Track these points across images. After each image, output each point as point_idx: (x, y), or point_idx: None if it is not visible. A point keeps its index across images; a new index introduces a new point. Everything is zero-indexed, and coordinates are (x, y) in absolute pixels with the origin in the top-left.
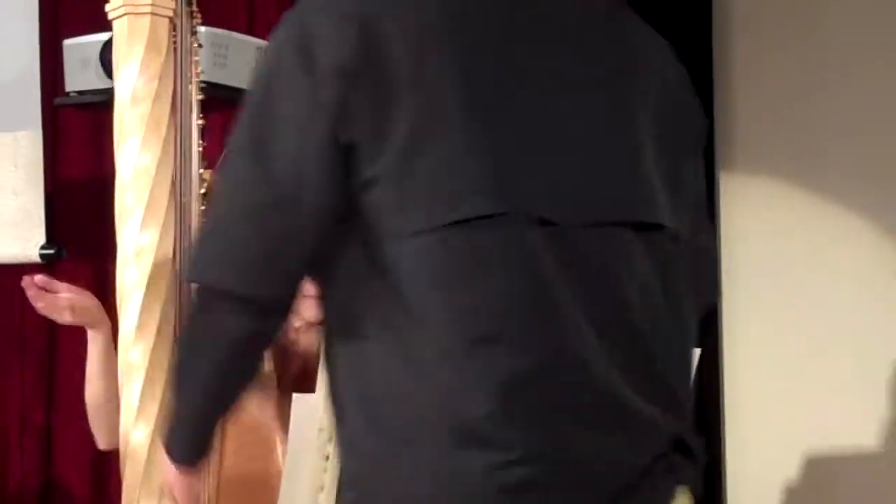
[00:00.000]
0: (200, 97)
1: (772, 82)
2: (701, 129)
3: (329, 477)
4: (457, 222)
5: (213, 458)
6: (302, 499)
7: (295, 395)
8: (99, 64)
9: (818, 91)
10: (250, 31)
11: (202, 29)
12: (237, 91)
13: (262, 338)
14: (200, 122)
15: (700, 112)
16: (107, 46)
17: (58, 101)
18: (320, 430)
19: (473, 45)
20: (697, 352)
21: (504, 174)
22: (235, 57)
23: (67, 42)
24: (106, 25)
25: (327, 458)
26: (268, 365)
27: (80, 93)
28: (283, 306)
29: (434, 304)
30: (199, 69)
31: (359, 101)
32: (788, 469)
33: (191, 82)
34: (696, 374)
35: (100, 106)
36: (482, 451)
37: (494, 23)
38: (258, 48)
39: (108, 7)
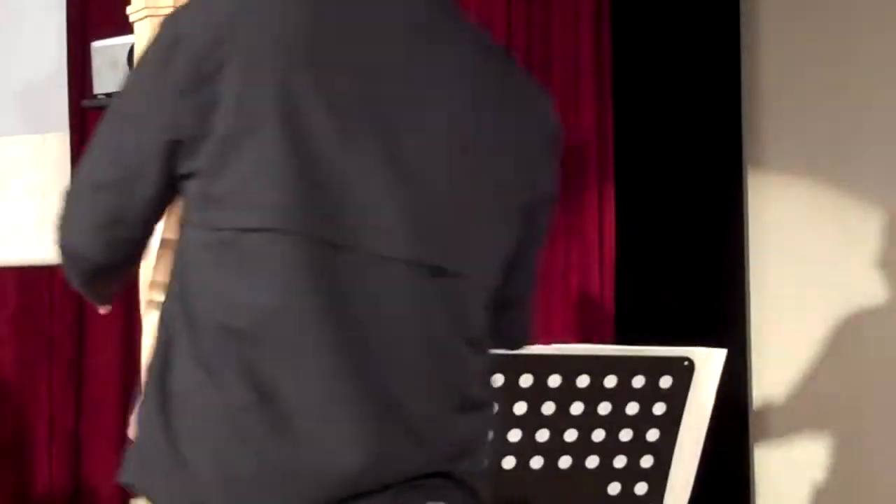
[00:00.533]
0: None
1: (798, 79)
2: (547, 187)
3: None
4: (242, 229)
5: None
6: None
7: None
8: (126, 66)
9: (845, 87)
10: None
11: None
12: None
13: (103, 283)
14: None
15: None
16: (134, 49)
17: (85, 103)
18: None
19: (302, 65)
20: (722, 353)
21: (298, 194)
22: None
23: (95, 44)
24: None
25: None
26: None
27: (108, 95)
28: (116, 267)
29: (201, 290)
30: None
31: (190, 104)
32: (816, 469)
33: None
34: (722, 375)
35: None
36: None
37: (328, 45)
38: None
39: (129, 10)
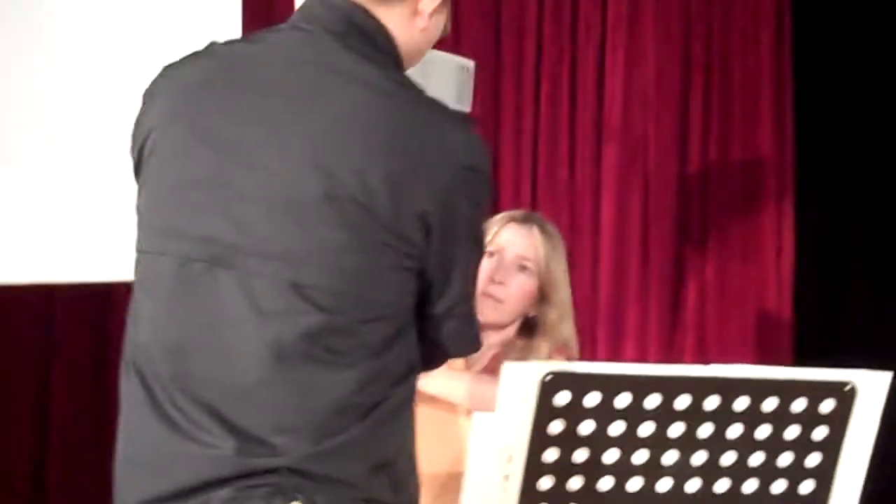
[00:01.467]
0: None
1: None
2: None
3: (509, 497)
4: (141, 250)
5: None
6: None
7: (476, 414)
8: None
9: None
10: (455, 49)
11: None
12: None
13: None
14: None
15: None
16: None
17: None
18: (500, 448)
19: (196, 113)
20: (888, 376)
21: (171, 220)
22: (434, 75)
23: None
24: None
25: (507, 477)
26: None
27: None
28: None
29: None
30: None
31: (135, 140)
32: None
33: None
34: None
35: None
36: None
37: (218, 95)
38: (459, 66)
39: None
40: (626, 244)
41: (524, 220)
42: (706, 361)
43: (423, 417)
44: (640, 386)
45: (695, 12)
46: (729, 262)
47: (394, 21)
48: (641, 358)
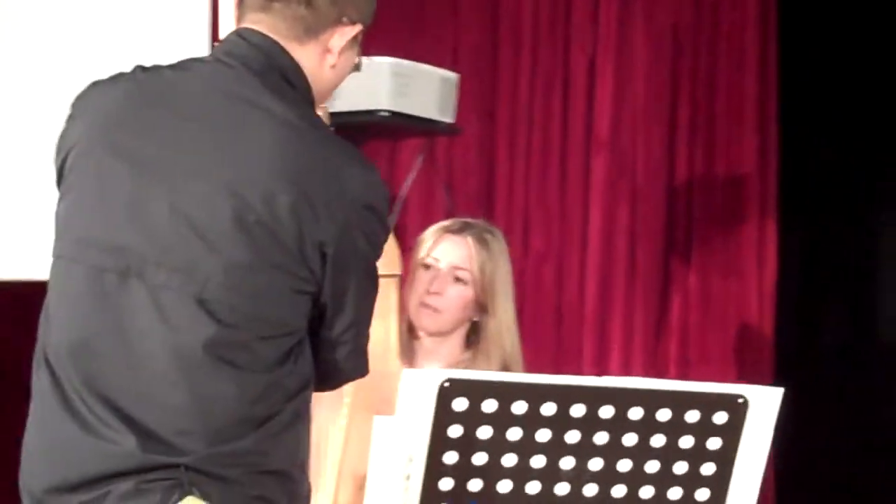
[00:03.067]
0: None
1: None
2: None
3: (410, 496)
4: (57, 256)
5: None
6: None
7: (376, 418)
8: None
9: None
10: (454, 66)
11: (387, 59)
12: (419, 120)
13: None
14: None
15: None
16: None
17: None
18: (400, 449)
19: (117, 133)
20: (779, 391)
21: (88, 231)
22: (418, 87)
23: None
24: None
25: (408, 477)
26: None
27: None
28: None
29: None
30: None
31: (59, 152)
32: None
33: None
34: None
35: None
36: None
37: (136, 117)
38: (442, 78)
39: None
40: (614, 256)
41: (459, 231)
42: (688, 373)
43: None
44: (536, 394)
45: (683, 30)
46: (712, 275)
47: (306, 59)
48: (626, 368)
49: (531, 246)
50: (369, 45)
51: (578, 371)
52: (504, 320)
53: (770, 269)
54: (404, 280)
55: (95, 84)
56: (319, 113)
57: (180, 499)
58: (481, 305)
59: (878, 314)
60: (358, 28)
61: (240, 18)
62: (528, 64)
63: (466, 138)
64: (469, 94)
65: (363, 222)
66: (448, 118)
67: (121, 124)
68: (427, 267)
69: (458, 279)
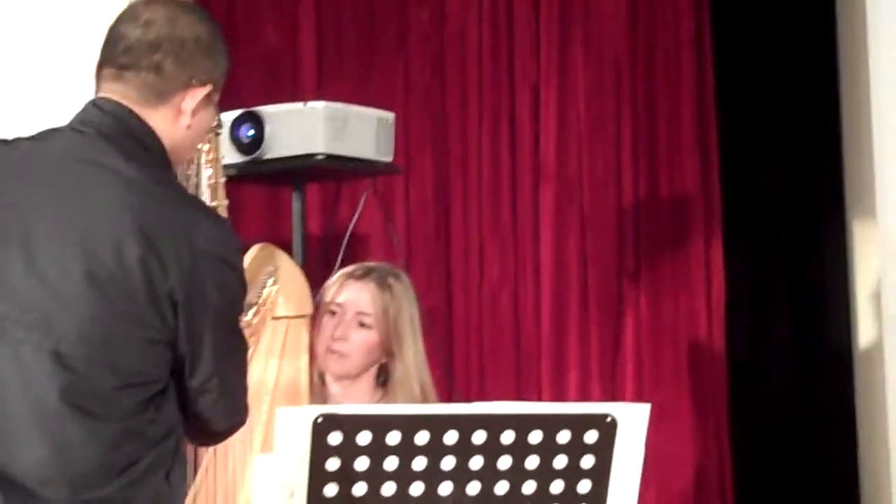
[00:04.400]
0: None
1: None
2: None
3: None
4: None
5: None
6: None
7: (258, 456)
8: (229, 140)
9: None
10: (406, 103)
11: (320, 104)
12: (356, 161)
13: None
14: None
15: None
16: (236, 124)
17: None
18: (282, 485)
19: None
20: (646, 407)
21: None
22: (354, 128)
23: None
24: (241, 102)
25: None
26: None
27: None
28: None
29: None
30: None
31: None
32: None
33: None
34: None
35: (233, 179)
36: None
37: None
38: (378, 118)
39: None
40: (566, 282)
41: (361, 276)
42: (643, 392)
43: None
44: (408, 424)
45: (621, 53)
46: (662, 296)
47: (160, 121)
48: (584, 390)
49: (487, 275)
50: (312, 91)
51: (538, 395)
52: (410, 363)
53: (718, 286)
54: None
55: None
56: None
57: None
58: (387, 349)
59: (826, 324)
60: (208, 88)
61: (97, 89)
62: (475, 98)
63: (422, 175)
64: (421, 133)
65: (214, 273)
66: (387, 157)
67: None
68: (332, 313)
69: (362, 324)
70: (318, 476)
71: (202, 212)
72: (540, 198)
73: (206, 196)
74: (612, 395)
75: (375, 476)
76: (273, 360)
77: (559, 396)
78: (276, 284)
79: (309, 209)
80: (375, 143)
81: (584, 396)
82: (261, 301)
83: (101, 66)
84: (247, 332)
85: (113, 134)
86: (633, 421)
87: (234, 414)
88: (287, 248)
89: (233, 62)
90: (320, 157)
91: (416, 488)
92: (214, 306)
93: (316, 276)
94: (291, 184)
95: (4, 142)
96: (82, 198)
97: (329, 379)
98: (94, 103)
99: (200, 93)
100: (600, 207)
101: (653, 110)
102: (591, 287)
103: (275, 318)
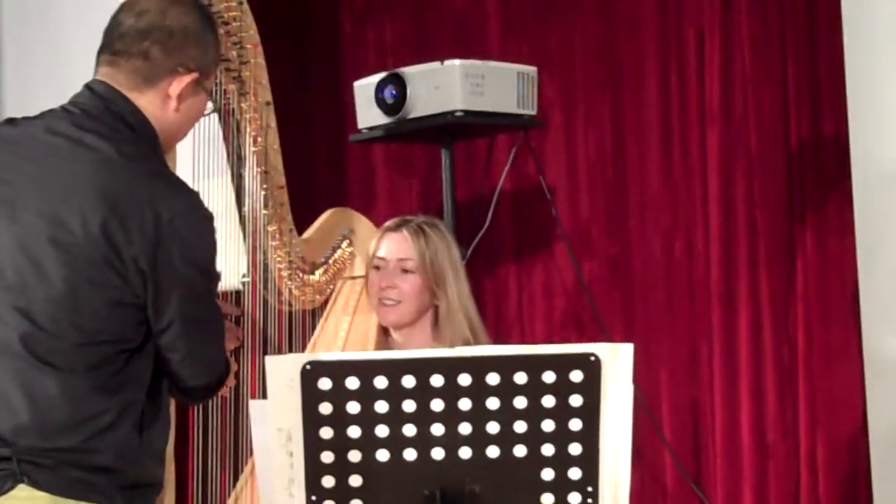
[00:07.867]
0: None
1: None
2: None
3: (296, 472)
4: None
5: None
6: (277, 492)
7: (252, 402)
8: (375, 102)
9: None
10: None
11: (456, 62)
12: (497, 115)
13: None
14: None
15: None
16: (380, 86)
17: (352, 137)
18: (279, 429)
19: None
20: (629, 347)
21: None
22: (492, 84)
23: (357, 83)
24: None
25: (291, 454)
26: None
27: (370, 129)
28: None
29: None
30: None
31: None
32: None
33: None
34: None
35: (381, 140)
36: None
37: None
38: (519, 73)
39: None
40: (734, 226)
41: (397, 227)
42: (811, 336)
43: None
44: (393, 369)
45: None
46: (829, 236)
47: (148, 104)
48: (755, 335)
49: (660, 224)
50: (446, 52)
51: (709, 340)
52: (454, 300)
53: None
54: None
55: None
56: None
57: (12, 487)
58: (432, 290)
59: None
60: (194, 76)
61: (94, 72)
62: (647, 46)
63: (599, 124)
64: (596, 83)
65: (179, 243)
66: (530, 111)
67: None
68: (377, 268)
69: (405, 270)
70: (312, 420)
71: (171, 186)
72: (706, 142)
73: (252, 162)
74: (786, 338)
75: (367, 419)
76: (346, 318)
77: (731, 340)
78: (351, 246)
79: (463, 166)
80: (517, 97)
81: (756, 340)
82: (331, 262)
83: (100, 51)
84: (312, 290)
85: (98, 114)
86: (618, 360)
87: (202, 375)
88: (438, 206)
89: (382, 24)
90: (459, 113)
91: (409, 430)
92: (181, 275)
93: (465, 233)
94: (440, 142)
95: (9, 120)
96: (60, 171)
97: (391, 330)
98: (87, 86)
99: (187, 79)
100: (768, 149)
101: (815, 53)
102: (759, 232)
103: (352, 278)
